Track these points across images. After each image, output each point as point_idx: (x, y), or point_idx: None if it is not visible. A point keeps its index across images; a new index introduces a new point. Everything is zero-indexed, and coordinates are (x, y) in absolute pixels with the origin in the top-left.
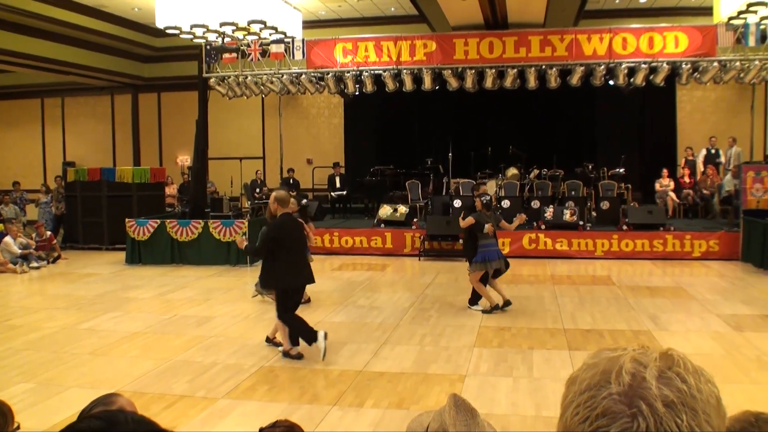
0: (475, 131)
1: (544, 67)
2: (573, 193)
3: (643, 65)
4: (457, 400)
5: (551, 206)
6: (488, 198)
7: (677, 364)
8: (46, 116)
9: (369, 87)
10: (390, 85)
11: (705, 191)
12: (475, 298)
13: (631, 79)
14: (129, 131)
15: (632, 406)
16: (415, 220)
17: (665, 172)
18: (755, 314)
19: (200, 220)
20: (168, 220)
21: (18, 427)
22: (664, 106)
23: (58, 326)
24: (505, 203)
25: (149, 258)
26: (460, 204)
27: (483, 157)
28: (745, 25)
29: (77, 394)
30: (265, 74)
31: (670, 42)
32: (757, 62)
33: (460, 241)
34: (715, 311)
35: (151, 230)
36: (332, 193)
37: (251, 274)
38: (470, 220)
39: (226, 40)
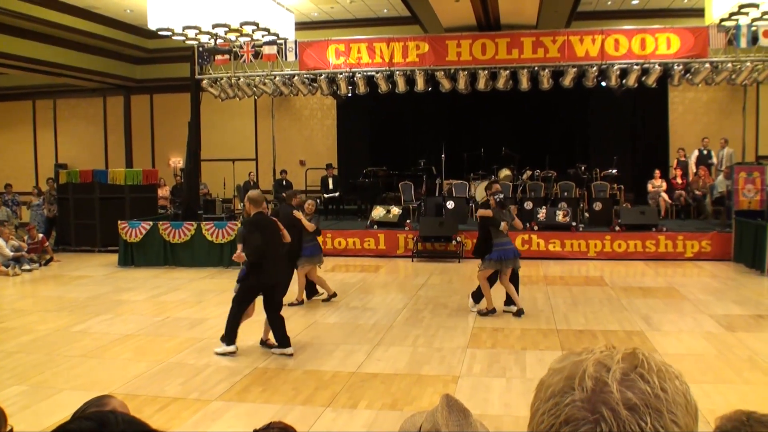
0: (468, 132)
1: (536, 68)
2: (566, 194)
3: (635, 66)
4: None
5: (544, 207)
6: (502, 196)
7: (641, 364)
8: (38, 118)
9: (361, 88)
10: (382, 87)
11: (697, 192)
12: (478, 296)
13: (624, 81)
14: (121, 133)
15: (595, 412)
16: (408, 221)
17: (657, 173)
18: (747, 314)
19: (193, 222)
20: (160, 222)
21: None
22: (657, 107)
23: (51, 329)
24: None
25: (142, 260)
26: (453, 206)
27: (476, 158)
28: (737, 27)
29: (70, 397)
30: (258, 76)
31: (662, 43)
32: (748, 64)
33: (453, 242)
34: (708, 311)
35: (144, 232)
36: (325, 195)
37: None
38: (488, 211)
39: (219, 41)
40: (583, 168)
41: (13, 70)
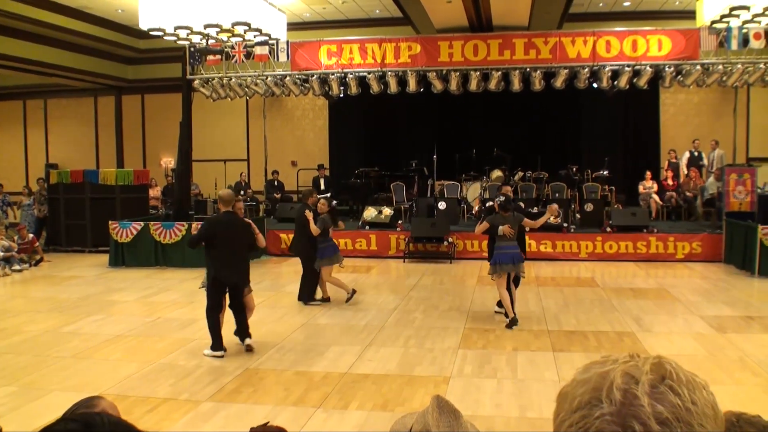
0: (460, 133)
1: (528, 69)
2: (557, 195)
3: (626, 68)
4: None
5: (535, 208)
6: (503, 199)
7: (669, 375)
8: (28, 118)
9: (353, 89)
10: (374, 87)
11: (688, 193)
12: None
13: (615, 82)
14: (112, 133)
15: (625, 426)
16: (399, 222)
17: (648, 174)
18: (737, 315)
19: (184, 222)
20: (151, 223)
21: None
22: (648, 108)
23: (41, 329)
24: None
25: (133, 260)
26: (445, 206)
27: (467, 159)
28: (728, 29)
29: (60, 398)
30: (250, 76)
31: (654, 45)
32: (739, 65)
33: (445, 243)
34: (698, 313)
35: (135, 232)
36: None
37: None
38: (483, 226)
39: (210, 41)
40: (574, 169)
41: (3, 70)
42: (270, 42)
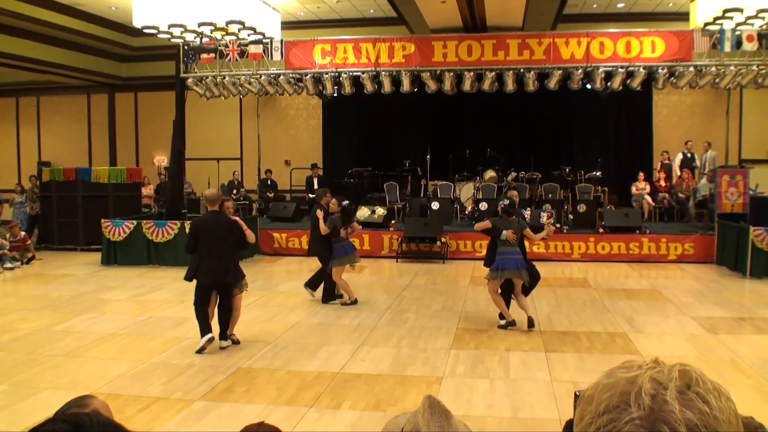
0: (453, 134)
1: (522, 70)
2: (550, 195)
3: (620, 69)
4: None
5: (528, 209)
6: (507, 203)
7: (696, 383)
8: (21, 115)
9: (347, 88)
10: (368, 87)
11: (681, 195)
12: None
13: (608, 83)
14: (105, 131)
15: (654, 431)
16: (392, 221)
17: (641, 175)
18: (729, 317)
19: (177, 221)
20: (144, 221)
21: None
22: (641, 110)
23: (33, 328)
24: (483, 206)
25: (125, 259)
26: (438, 207)
27: (461, 159)
28: (721, 31)
29: (51, 396)
30: (243, 75)
31: (647, 47)
32: (732, 68)
33: (438, 243)
34: (690, 314)
35: (127, 231)
36: (310, 195)
37: None
38: (486, 223)
39: (204, 40)
40: (567, 170)
41: None
42: (264, 41)
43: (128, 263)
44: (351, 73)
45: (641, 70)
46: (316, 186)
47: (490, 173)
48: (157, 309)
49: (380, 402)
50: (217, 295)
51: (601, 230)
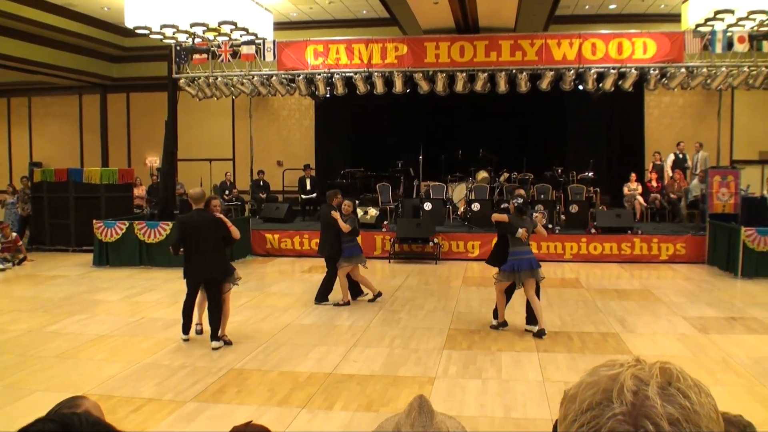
0: (446, 134)
1: (514, 71)
2: (542, 196)
3: (612, 71)
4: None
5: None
6: (521, 201)
7: (677, 379)
8: (12, 116)
9: (340, 89)
10: (361, 88)
11: (672, 195)
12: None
13: (600, 84)
14: (97, 132)
15: (638, 426)
16: (385, 222)
17: (633, 176)
18: (720, 316)
19: (169, 222)
20: (136, 222)
21: None
22: (633, 111)
23: (24, 329)
24: (475, 206)
25: (117, 260)
26: (431, 207)
27: (453, 160)
28: (712, 32)
29: (43, 398)
30: (236, 75)
31: (639, 48)
32: (723, 69)
33: (430, 243)
34: (682, 314)
35: (119, 232)
36: (302, 196)
37: None
38: (503, 216)
39: (197, 40)
40: (559, 171)
41: None
42: (256, 41)
43: (120, 264)
44: (343, 74)
45: (633, 71)
46: (308, 187)
47: (482, 174)
48: (149, 310)
49: (372, 402)
50: (205, 292)
51: (593, 231)
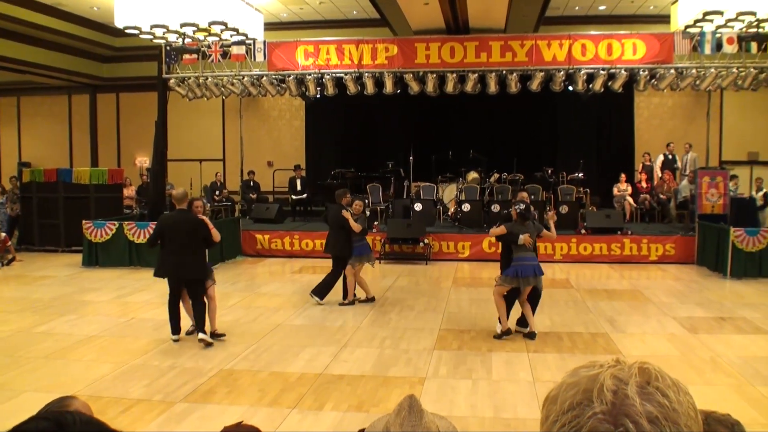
0: (436, 135)
1: (504, 72)
2: (532, 197)
3: (601, 71)
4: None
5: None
6: (523, 207)
7: (656, 378)
8: (1, 116)
9: (330, 90)
10: (351, 89)
11: (662, 196)
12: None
13: (590, 85)
14: (87, 132)
15: (618, 424)
16: (375, 223)
17: (623, 177)
18: (709, 317)
19: None
20: (126, 222)
21: None
22: (623, 112)
23: (13, 330)
24: (466, 207)
25: (106, 260)
26: (421, 208)
27: (444, 160)
28: (701, 34)
29: (32, 398)
30: (226, 76)
31: (629, 49)
32: (712, 70)
33: (421, 244)
34: (671, 314)
35: (109, 232)
36: (293, 196)
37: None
38: (501, 229)
39: (187, 40)
40: (549, 171)
41: None
42: (247, 42)
43: (110, 264)
44: (334, 75)
45: (623, 72)
46: (298, 187)
47: (473, 174)
48: (139, 310)
49: (363, 403)
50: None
51: (583, 231)
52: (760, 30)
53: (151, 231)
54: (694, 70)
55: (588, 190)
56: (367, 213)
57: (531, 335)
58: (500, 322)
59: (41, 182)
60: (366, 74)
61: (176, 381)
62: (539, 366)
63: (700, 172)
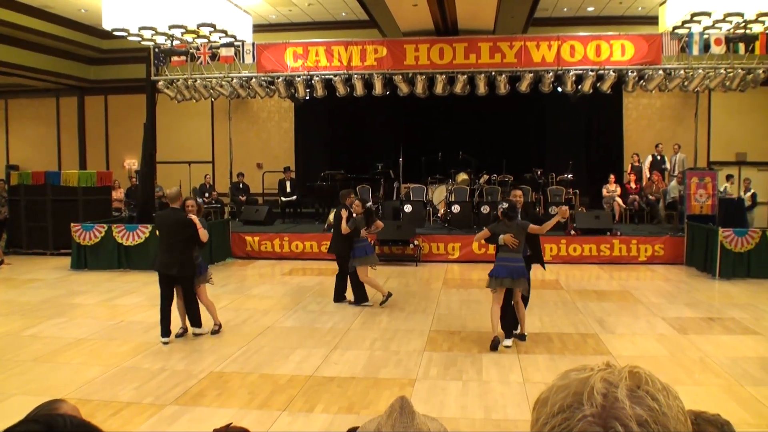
0: (426, 136)
1: (493, 73)
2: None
3: (590, 73)
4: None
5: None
6: (506, 207)
7: (646, 382)
8: None
9: (320, 92)
10: (341, 90)
11: (651, 197)
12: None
13: (579, 86)
14: (75, 134)
15: (607, 427)
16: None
17: (612, 177)
18: (698, 317)
19: (148, 225)
20: (114, 225)
21: None
22: (611, 113)
23: (1, 333)
24: (455, 208)
25: (95, 263)
26: (411, 209)
27: (433, 162)
28: (689, 35)
29: (21, 402)
30: (215, 78)
31: (617, 50)
32: (700, 71)
33: (410, 246)
34: (660, 314)
35: (98, 235)
36: (282, 198)
37: None
38: (484, 233)
39: (175, 42)
40: (539, 172)
41: None
42: (235, 44)
43: (98, 267)
44: (323, 76)
45: (611, 73)
46: (288, 189)
47: (462, 176)
48: (128, 313)
49: (353, 405)
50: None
51: (572, 232)
52: (748, 31)
53: (140, 233)
54: (682, 71)
55: (577, 190)
56: (373, 210)
57: (521, 337)
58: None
59: (29, 185)
60: (355, 76)
61: (166, 384)
62: (529, 367)
63: (689, 173)
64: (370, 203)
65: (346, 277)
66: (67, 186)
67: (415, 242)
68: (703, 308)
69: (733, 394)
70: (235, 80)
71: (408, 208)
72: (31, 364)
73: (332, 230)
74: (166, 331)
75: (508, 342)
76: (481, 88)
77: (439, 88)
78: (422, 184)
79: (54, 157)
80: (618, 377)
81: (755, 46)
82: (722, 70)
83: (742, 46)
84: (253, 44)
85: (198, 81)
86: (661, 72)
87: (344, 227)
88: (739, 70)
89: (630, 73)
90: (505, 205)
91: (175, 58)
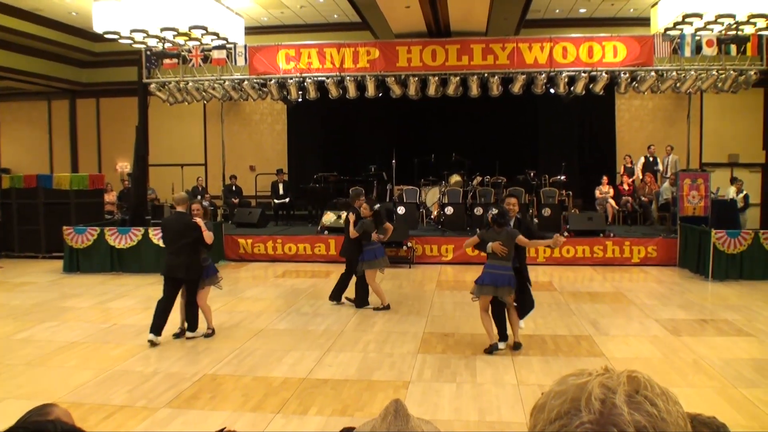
0: (419, 138)
1: (486, 75)
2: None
3: (582, 74)
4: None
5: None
6: (495, 213)
7: (644, 387)
8: None
9: (312, 94)
10: (333, 92)
11: (643, 198)
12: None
13: (572, 88)
14: (66, 137)
15: None
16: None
17: (605, 179)
18: (692, 319)
19: (140, 228)
20: (107, 228)
21: None
22: (604, 114)
23: None
24: (449, 210)
25: (88, 266)
26: (404, 211)
27: (426, 164)
28: (681, 36)
29: (13, 406)
30: (207, 80)
31: (609, 52)
32: (692, 72)
33: (404, 247)
34: (654, 316)
35: (90, 238)
36: (275, 200)
37: None
38: (473, 239)
39: (167, 45)
40: (532, 174)
41: None
42: (227, 46)
43: (91, 270)
44: (315, 78)
45: (604, 74)
46: (281, 191)
47: (455, 178)
48: (121, 316)
49: (347, 407)
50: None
51: (565, 234)
52: (739, 32)
53: (133, 236)
54: (674, 73)
55: (570, 192)
56: (383, 213)
57: (515, 347)
58: (488, 335)
59: (21, 188)
60: (348, 78)
61: (159, 387)
62: (523, 369)
63: (682, 174)
64: (378, 206)
65: (350, 278)
66: (59, 189)
67: (409, 244)
68: (696, 310)
69: (726, 395)
70: (227, 83)
71: (401, 210)
72: (23, 368)
73: (344, 234)
74: (157, 329)
75: (502, 345)
76: (474, 90)
77: (431, 90)
78: (415, 186)
79: (46, 160)
80: (616, 382)
81: (747, 48)
82: (714, 72)
83: (733, 48)
84: (245, 46)
85: (190, 83)
86: (653, 73)
87: (352, 231)
88: (731, 72)
89: (622, 75)
90: (495, 211)
91: (166, 61)
